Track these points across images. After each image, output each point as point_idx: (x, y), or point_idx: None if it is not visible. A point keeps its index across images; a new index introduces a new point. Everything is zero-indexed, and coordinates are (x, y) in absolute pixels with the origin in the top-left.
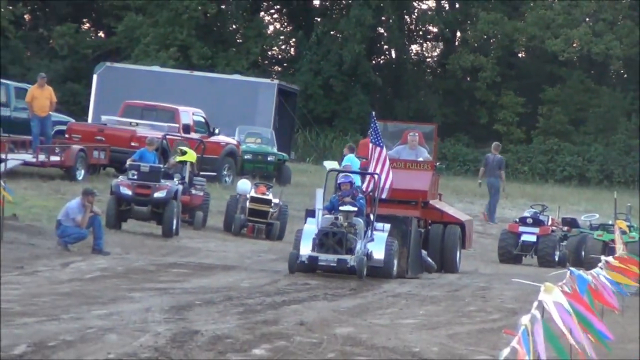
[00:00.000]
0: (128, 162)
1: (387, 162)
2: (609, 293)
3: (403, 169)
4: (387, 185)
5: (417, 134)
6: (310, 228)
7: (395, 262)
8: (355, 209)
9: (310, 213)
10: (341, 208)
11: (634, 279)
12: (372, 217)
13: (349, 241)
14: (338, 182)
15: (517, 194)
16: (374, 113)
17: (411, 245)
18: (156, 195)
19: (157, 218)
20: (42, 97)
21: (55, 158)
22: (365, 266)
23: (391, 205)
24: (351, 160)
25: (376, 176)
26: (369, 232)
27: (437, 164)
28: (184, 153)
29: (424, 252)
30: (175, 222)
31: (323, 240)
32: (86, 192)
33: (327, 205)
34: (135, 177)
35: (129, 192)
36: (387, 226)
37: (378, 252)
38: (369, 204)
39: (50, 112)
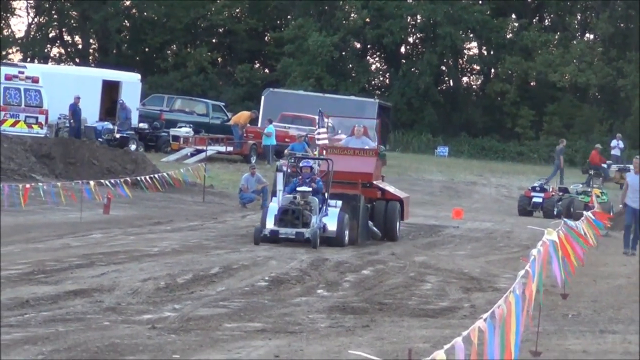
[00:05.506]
0: (286, 151)
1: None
2: (577, 247)
3: (352, 155)
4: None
5: (362, 126)
6: (273, 206)
7: (347, 232)
8: (310, 189)
9: (275, 193)
10: (298, 189)
11: (604, 223)
12: (326, 195)
13: (304, 217)
14: (300, 165)
15: (530, 172)
16: (320, 109)
17: (360, 218)
18: None
19: None
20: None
21: (237, 149)
22: (319, 237)
23: (342, 186)
24: (272, 129)
25: (329, 161)
26: (324, 208)
27: (380, 151)
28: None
29: (370, 223)
30: None
31: (283, 217)
32: (250, 166)
33: (290, 186)
34: (292, 160)
35: (289, 171)
36: (339, 203)
37: (331, 225)
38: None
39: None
